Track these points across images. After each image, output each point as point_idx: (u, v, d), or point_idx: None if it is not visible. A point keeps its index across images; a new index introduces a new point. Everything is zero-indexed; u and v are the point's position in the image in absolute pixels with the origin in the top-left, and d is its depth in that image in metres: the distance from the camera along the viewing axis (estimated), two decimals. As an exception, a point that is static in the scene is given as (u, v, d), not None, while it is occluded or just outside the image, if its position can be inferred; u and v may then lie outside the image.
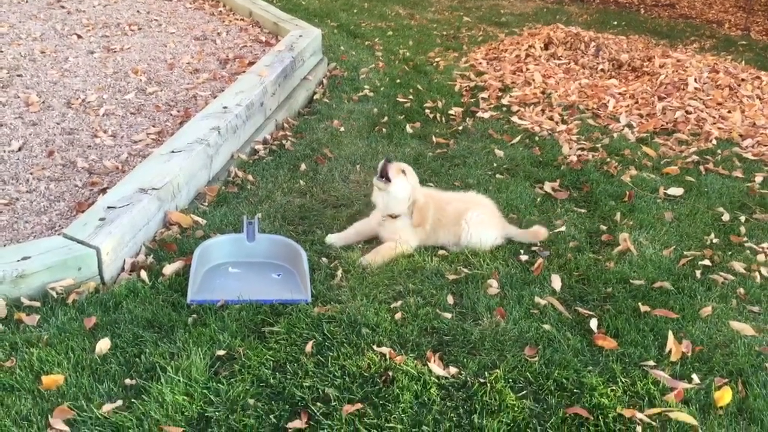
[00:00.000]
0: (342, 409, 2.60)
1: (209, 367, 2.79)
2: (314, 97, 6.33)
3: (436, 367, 2.85)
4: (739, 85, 6.89)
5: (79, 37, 7.09)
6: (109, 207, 3.56)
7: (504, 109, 6.32)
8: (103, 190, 4.10)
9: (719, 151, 5.48)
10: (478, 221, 3.82)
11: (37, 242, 3.35)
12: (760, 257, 3.94)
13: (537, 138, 5.62)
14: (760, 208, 4.59)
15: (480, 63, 7.81)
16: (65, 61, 6.36)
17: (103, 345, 2.87)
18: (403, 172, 3.76)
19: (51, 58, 6.41)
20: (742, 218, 4.41)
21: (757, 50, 9.74)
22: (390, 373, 2.79)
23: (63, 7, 8.13)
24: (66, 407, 2.54)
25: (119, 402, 2.58)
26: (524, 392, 2.77)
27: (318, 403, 2.63)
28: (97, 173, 4.42)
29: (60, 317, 3.01)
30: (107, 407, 2.55)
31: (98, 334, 2.95)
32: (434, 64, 7.77)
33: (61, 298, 3.14)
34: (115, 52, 6.74)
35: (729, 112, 6.33)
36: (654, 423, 2.64)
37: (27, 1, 8.21)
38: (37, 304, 3.09)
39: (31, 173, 4.35)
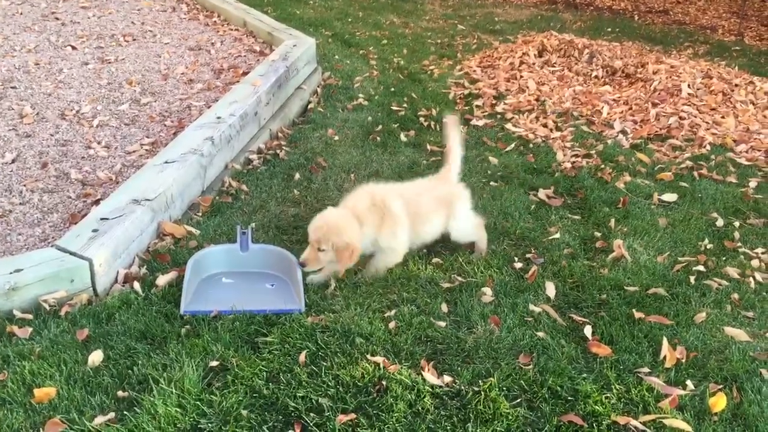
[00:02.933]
0: (336, 419, 2.59)
1: (202, 378, 2.78)
2: (308, 107, 6.34)
3: (430, 376, 2.84)
4: (733, 91, 6.91)
5: (74, 48, 7.10)
6: (102, 218, 3.56)
7: (498, 116, 6.33)
8: (97, 202, 4.10)
9: (713, 157, 5.49)
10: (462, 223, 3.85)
11: (30, 254, 3.33)
12: (755, 262, 3.95)
13: (531, 145, 5.63)
14: (754, 213, 4.59)
15: (474, 71, 7.83)
16: (59, 72, 6.37)
17: (96, 357, 2.86)
18: (319, 249, 3.37)
19: (45, 69, 6.41)
20: (736, 223, 4.41)
21: (751, 55, 9.78)
22: (384, 383, 2.78)
23: (57, 18, 8.15)
24: (58, 420, 2.53)
25: (111, 414, 2.57)
26: (518, 400, 2.77)
27: (311, 414, 2.62)
28: (91, 184, 4.42)
29: (52, 329, 3.01)
30: (99, 420, 2.54)
31: (91, 346, 2.94)
32: (428, 73, 7.79)
33: (53, 310, 3.13)
34: (109, 63, 6.75)
35: (722, 117, 6.35)
36: (648, 430, 2.64)
37: (21, 13, 8.22)
38: (30, 316, 3.08)
39: (24, 185, 4.35)
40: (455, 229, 3.82)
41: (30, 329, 3.00)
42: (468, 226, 3.87)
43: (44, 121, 5.31)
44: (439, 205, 3.75)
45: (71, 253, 3.28)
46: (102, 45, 7.30)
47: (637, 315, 3.34)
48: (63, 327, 3.03)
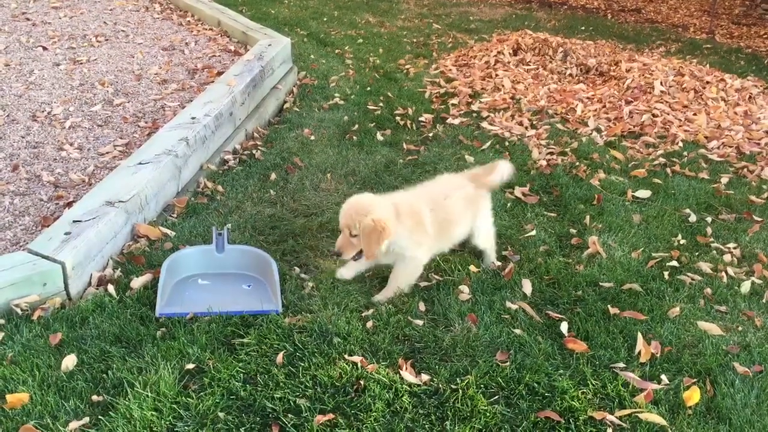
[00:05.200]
0: (314, 419, 2.58)
1: (178, 381, 2.75)
2: (284, 106, 6.31)
3: (408, 375, 2.84)
4: (704, 88, 7.01)
5: (45, 49, 6.99)
6: (74, 221, 3.51)
7: (474, 115, 6.35)
8: (69, 204, 4.04)
9: (685, 154, 5.56)
10: (486, 224, 3.80)
11: (1, 258, 3.28)
12: (727, 257, 4.00)
13: (507, 143, 5.65)
14: (726, 208, 4.66)
15: (450, 69, 7.85)
16: (30, 73, 6.27)
17: (69, 361, 2.82)
18: (351, 235, 3.27)
19: (16, 70, 6.31)
20: (709, 219, 4.48)
21: (722, 53, 9.91)
22: (362, 382, 2.78)
23: (28, 19, 8.02)
24: (31, 426, 2.50)
25: (86, 419, 2.54)
26: (496, 397, 2.78)
27: (289, 415, 2.61)
28: (63, 187, 4.36)
29: (25, 334, 2.96)
30: (74, 425, 2.51)
31: (64, 350, 2.90)
32: (404, 72, 7.79)
33: (25, 314, 3.08)
34: (81, 63, 6.66)
35: (694, 114, 6.44)
36: (624, 424, 2.66)
37: (-9, 14, 8.09)
38: (1, 321, 3.03)
39: (-5, 188, 4.28)
40: (480, 230, 3.74)
41: (1, 334, 2.95)
42: (490, 229, 3.83)
43: (15, 123, 5.22)
44: (467, 206, 3.65)
45: (43, 257, 3.23)
46: (74, 45, 7.21)
47: (612, 311, 3.37)
48: (35, 331, 2.99)
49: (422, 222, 3.40)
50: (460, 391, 2.77)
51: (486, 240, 3.79)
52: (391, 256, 3.44)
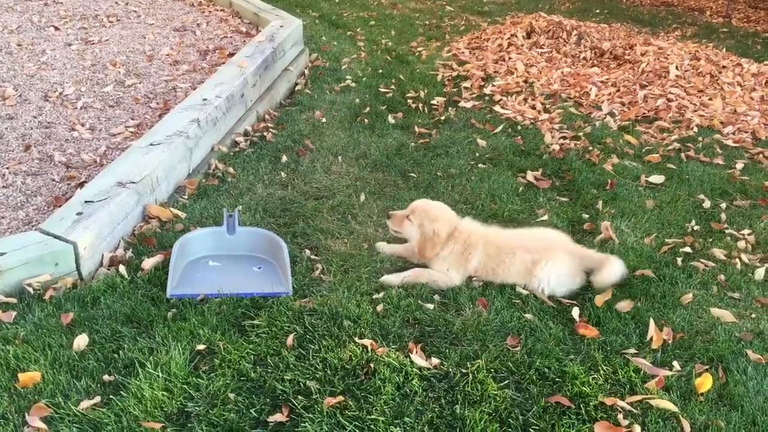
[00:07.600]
0: (323, 401, 2.58)
1: (189, 361, 2.76)
2: (296, 88, 6.29)
3: (418, 359, 2.84)
4: (720, 73, 6.93)
5: (57, 29, 6.99)
6: (86, 201, 3.51)
7: (486, 98, 6.31)
8: (81, 184, 4.05)
9: (700, 139, 5.50)
10: (556, 277, 3.38)
11: (13, 238, 3.30)
12: (741, 244, 3.96)
13: (519, 127, 5.61)
14: (741, 194, 4.61)
15: (462, 52, 7.79)
16: (42, 53, 6.27)
17: (81, 341, 2.83)
18: (408, 218, 3.49)
19: (28, 50, 6.32)
20: (723, 205, 4.43)
21: (738, 37, 9.78)
22: (372, 365, 2.77)
23: (40, -2, 8.02)
24: (43, 405, 2.51)
25: (97, 398, 2.55)
26: (506, 382, 2.77)
27: (299, 397, 2.62)
28: (75, 167, 4.37)
29: (37, 313, 2.97)
30: (85, 404, 2.52)
31: (76, 330, 2.91)
32: (416, 54, 7.74)
33: (37, 294, 3.10)
34: (93, 44, 6.65)
35: (710, 99, 6.36)
36: (635, 410, 2.65)
37: (3, -7, 8.08)
38: (14, 300, 3.05)
39: (7, 168, 4.29)
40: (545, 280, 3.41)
41: (14, 313, 2.97)
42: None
43: (27, 103, 5.23)
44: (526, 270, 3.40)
45: (55, 237, 3.24)
46: (85, 26, 7.20)
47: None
48: (47, 311, 3.00)
49: (468, 258, 3.44)
50: (471, 375, 2.76)
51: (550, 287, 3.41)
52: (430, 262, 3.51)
